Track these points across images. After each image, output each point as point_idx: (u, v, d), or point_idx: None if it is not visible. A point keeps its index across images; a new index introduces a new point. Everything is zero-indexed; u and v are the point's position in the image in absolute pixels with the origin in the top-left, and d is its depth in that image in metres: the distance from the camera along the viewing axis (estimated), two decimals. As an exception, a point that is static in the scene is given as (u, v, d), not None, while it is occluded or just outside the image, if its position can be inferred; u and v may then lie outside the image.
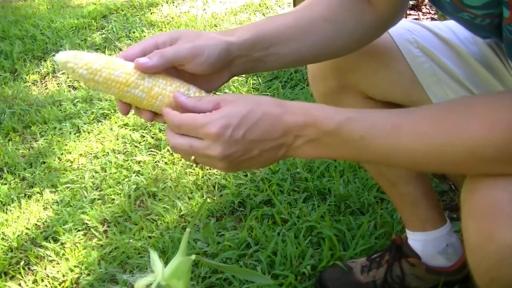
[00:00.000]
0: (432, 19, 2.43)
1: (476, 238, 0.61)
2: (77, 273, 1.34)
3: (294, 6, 2.33)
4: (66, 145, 1.96)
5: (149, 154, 1.83)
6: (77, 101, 2.31)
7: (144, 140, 1.92)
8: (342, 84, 0.99)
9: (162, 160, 1.78)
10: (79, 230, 1.50)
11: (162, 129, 1.97)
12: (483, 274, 0.63)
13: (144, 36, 3.04)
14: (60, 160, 1.88)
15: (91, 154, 1.89)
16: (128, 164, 1.78)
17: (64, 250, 1.42)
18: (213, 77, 0.76)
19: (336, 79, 0.99)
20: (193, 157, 0.68)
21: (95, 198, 1.63)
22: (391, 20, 0.92)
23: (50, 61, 2.79)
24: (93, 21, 3.37)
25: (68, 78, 2.62)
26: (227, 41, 0.74)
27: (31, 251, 1.44)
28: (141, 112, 0.74)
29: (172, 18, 3.38)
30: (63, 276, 1.34)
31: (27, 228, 1.53)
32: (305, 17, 0.83)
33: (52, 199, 1.66)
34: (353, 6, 0.85)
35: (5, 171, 1.84)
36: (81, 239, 1.46)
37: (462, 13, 0.72)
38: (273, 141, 0.66)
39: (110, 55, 2.79)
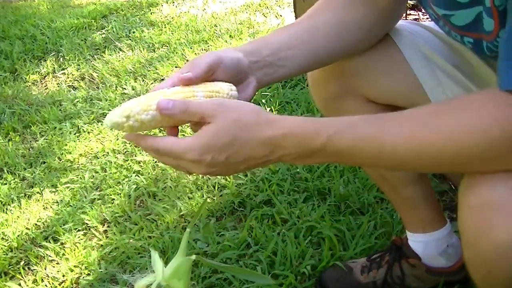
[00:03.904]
0: (432, 19, 2.42)
1: (473, 234, 0.62)
2: (77, 273, 1.34)
3: (294, 6, 2.33)
4: (66, 145, 1.96)
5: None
6: (77, 101, 2.31)
7: (144, 140, 1.92)
8: (344, 88, 0.98)
9: (162, 160, 1.78)
10: (79, 230, 1.50)
11: (162, 129, 1.97)
12: (479, 269, 0.64)
13: (144, 36, 3.04)
14: (60, 160, 1.88)
15: (91, 154, 1.89)
16: (128, 164, 1.78)
17: (64, 250, 1.42)
18: (239, 89, 0.80)
19: (338, 84, 0.98)
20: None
21: (95, 198, 1.63)
22: (392, 18, 0.92)
23: (50, 61, 2.79)
24: (93, 21, 3.37)
25: (68, 78, 2.62)
26: (238, 52, 0.79)
27: (31, 251, 1.43)
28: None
29: (172, 18, 3.38)
30: (63, 276, 1.34)
31: (27, 228, 1.53)
32: (309, 24, 0.87)
33: (52, 199, 1.66)
34: (354, 9, 0.87)
35: (5, 171, 1.84)
36: (81, 239, 1.46)
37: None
38: (259, 159, 0.68)
39: (110, 55, 2.79)
